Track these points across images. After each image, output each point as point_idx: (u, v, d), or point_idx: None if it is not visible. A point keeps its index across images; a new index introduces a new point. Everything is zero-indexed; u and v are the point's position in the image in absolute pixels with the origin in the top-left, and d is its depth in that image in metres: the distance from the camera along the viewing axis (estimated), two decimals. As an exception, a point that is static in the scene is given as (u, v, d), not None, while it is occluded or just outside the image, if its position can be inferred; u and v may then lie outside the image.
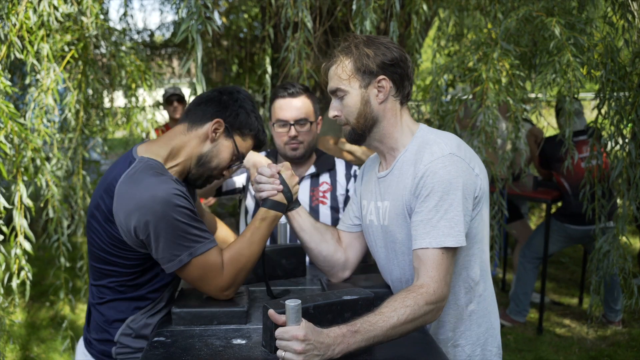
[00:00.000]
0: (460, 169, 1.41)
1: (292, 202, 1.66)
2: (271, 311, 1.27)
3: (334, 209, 2.23)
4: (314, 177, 2.25)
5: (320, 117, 2.22)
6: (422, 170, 1.42)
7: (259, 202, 1.65)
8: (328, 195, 2.23)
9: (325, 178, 2.25)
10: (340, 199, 2.24)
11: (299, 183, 1.74)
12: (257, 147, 1.70)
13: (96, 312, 1.60)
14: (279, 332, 1.23)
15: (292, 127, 2.10)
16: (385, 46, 1.49)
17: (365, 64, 1.48)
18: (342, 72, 1.51)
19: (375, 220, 1.60)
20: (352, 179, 2.26)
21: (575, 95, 2.52)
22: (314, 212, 2.21)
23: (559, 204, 4.11)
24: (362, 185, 1.70)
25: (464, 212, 1.40)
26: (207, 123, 1.58)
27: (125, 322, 1.56)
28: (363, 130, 1.53)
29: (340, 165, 2.30)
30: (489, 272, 1.62)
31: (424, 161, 1.43)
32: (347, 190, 2.25)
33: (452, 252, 1.40)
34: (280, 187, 1.61)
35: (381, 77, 1.49)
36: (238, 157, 1.64)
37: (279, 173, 1.63)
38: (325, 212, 2.22)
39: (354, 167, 2.31)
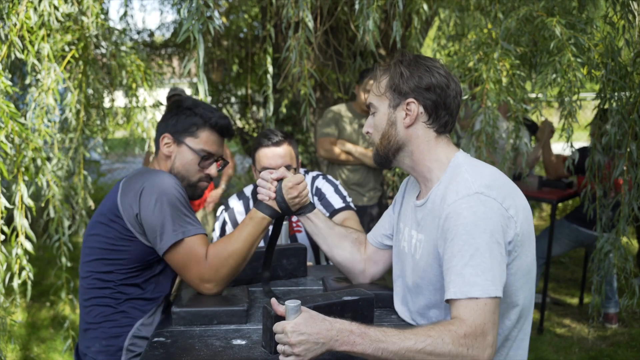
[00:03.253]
0: (488, 209, 1.27)
1: (287, 211, 1.67)
2: (273, 300, 1.28)
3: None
4: None
5: (299, 160, 2.32)
6: (446, 211, 1.31)
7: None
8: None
9: None
10: None
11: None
12: (222, 134, 1.77)
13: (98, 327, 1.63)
14: (274, 326, 1.24)
15: None
16: (427, 69, 1.39)
17: (397, 84, 1.40)
18: (376, 88, 1.45)
19: (406, 248, 1.51)
20: (316, 198, 2.34)
21: (575, 96, 2.52)
22: (293, 241, 2.32)
23: (569, 203, 4.07)
24: (402, 207, 1.59)
25: (494, 258, 1.24)
26: (160, 144, 1.74)
27: (133, 326, 1.60)
28: (386, 153, 1.45)
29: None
30: (529, 316, 1.44)
31: (448, 200, 1.32)
32: None
33: (487, 301, 1.22)
34: (273, 194, 1.64)
35: (410, 99, 1.39)
36: (203, 154, 1.72)
37: (278, 180, 1.66)
38: (302, 239, 2.32)
39: (315, 185, 2.37)
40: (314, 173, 2.42)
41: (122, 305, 1.60)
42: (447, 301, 1.27)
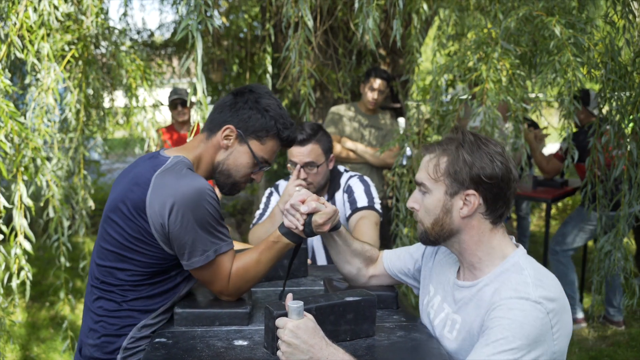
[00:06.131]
0: (538, 321, 1.21)
1: (310, 236, 1.59)
2: (289, 295, 1.30)
3: None
4: None
5: (332, 155, 2.33)
6: (498, 302, 1.25)
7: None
8: None
9: None
10: (343, 222, 2.33)
11: None
12: (285, 146, 1.66)
13: (104, 322, 1.57)
14: (277, 320, 1.26)
15: (302, 170, 2.21)
16: (490, 157, 1.30)
17: (458, 171, 1.31)
18: (432, 169, 1.35)
19: (432, 314, 1.48)
20: (346, 195, 2.36)
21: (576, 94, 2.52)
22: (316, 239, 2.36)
23: (569, 203, 4.05)
24: (434, 268, 1.54)
25: None
26: (219, 131, 1.59)
27: (135, 326, 1.54)
28: (436, 239, 1.39)
29: (338, 195, 2.38)
30: None
31: (503, 294, 1.25)
32: (345, 214, 2.34)
33: None
34: (301, 227, 1.55)
35: (471, 191, 1.31)
36: (262, 162, 1.62)
37: (309, 214, 1.54)
38: (317, 238, 2.36)
39: (348, 183, 2.38)
40: (352, 173, 2.44)
41: (128, 304, 1.54)
42: None
